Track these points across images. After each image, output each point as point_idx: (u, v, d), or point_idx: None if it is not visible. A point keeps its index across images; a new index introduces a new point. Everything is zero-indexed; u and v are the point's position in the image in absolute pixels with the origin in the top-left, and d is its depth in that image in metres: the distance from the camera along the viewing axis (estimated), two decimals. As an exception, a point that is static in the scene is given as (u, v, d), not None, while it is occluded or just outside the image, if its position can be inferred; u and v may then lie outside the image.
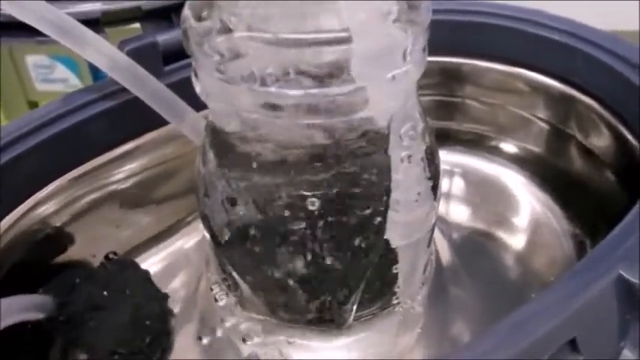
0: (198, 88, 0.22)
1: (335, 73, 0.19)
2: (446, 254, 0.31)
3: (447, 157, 0.34)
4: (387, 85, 0.19)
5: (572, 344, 0.18)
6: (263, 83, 0.19)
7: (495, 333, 0.18)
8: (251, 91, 0.19)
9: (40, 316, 0.25)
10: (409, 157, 0.21)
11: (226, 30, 0.19)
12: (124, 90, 0.29)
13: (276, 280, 0.23)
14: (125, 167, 0.31)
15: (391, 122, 0.21)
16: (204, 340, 0.27)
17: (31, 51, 0.58)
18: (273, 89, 0.19)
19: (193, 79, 0.22)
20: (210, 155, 0.24)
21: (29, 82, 0.60)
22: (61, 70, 0.59)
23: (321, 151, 0.21)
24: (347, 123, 0.20)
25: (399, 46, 0.19)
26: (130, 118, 0.30)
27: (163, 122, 0.30)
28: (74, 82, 0.60)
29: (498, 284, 0.30)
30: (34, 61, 0.59)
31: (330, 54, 0.19)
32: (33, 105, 0.62)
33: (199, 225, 0.33)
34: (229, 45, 0.19)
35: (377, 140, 0.21)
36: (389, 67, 0.19)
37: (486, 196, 0.34)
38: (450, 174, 0.34)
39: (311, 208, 0.22)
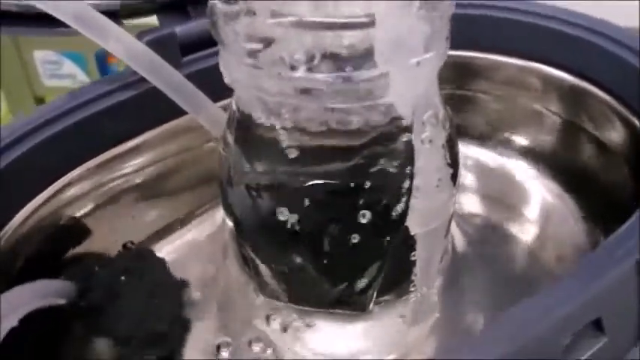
0: (224, 74, 0.22)
1: (361, 57, 0.19)
2: (460, 246, 0.31)
3: (460, 149, 0.34)
4: (411, 71, 0.20)
5: (597, 325, 0.18)
6: (290, 67, 0.19)
7: (520, 312, 0.18)
8: (278, 76, 0.19)
9: (62, 301, 0.25)
10: (430, 141, 0.22)
11: (252, 13, 0.19)
12: (133, 83, 0.29)
13: (299, 266, 0.23)
14: (139, 160, 0.31)
15: (415, 109, 0.21)
16: (225, 326, 0.27)
17: (38, 46, 0.58)
18: (300, 74, 0.19)
19: (221, 65, 0.22)
20: (234, 144, 0.24)
21: (36, 78, 0.60)
22: (69, 66, 0.59)
23: (345, 138, 0.22)
24: (372, 109, 0.20)
25: (422, 34, 0.20)
26: (143, 111, 0.30)
27: (175, 115, 0.30)
28: (82, 78, 0.60)
29: (512, 276, 0.30)
30: (41, 56, 0.59)
31: (353, 38, 0.19)
32: (40, 101, 0.62)
33: (213, 216, 0.33)
34: (256, 29, 0.19)
35: (400, 127, 0.22)
36: (413, 53, 0.20)
37: (499, 188, 0.34)
38: (463, 166, 0.34)
39: (334, 194, 0.22)
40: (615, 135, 0.30)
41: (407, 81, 0.20)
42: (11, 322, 0.22)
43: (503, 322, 0.18)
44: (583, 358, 0.18)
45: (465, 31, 0.33)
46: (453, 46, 0.31)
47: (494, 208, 0.33)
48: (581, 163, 0.32)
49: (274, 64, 0.19)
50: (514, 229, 0.32)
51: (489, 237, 0.32)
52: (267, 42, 0.19)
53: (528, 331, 0.17)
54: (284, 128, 0.21)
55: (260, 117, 0.22)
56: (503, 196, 0.34)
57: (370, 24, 0.18)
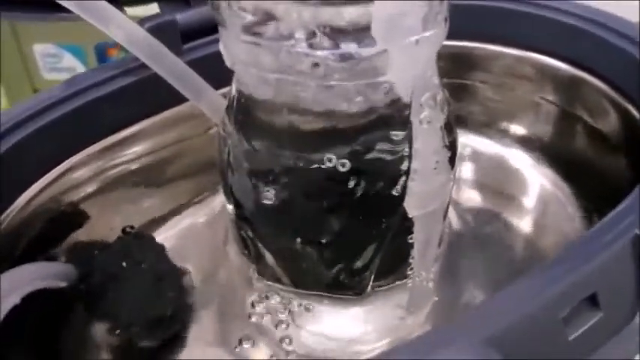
0: (225, 56, 0.22)
1: (361, 35, 0.19)
2: (458, 232, 0.31)
3: (458, 138, 0.35)
4: (410, 50, 0.20)
5: (593, 300, 0.18)
6: (291, 44, 0.19)
7: (516, 288, 0.18)
8: (279, 53, 0.20)
9: (62, 284, 0.25)
10: (428, 122, 0.22)
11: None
12: (134, 70, 0.29)
13: (298, 248, 0.24)
14: (139, 146, 0.31)
15: (413, 90, 0.21)
16: (225, 310, 0.28)
17: (38, 39, 0.58)
18: (300, 51, 0.19)
19: (221, 46, 0.22)
20: (233, 128, 0.24)
21: (36, 71, 0.60)
22: (69, 59, 0.59)
23: (344, 120, 0.22)
24: (371, 88, 0.21)
25: (421, 12, 0.20)
26: (144, 98, 0.30)
27: (176, 102, 0.31)
28: (81, 71, 0.60)
29: (510, 262, 0.30)
30: (41, 49, 0.59)
31: (352, 14, 0.19)
32: (39, 94, 0.62)
33: (212, 203, 0.33)
34: (256, 5, 0.19)
35: (399, 109, 0.22)
36: (411, 31, 0.20)
37: (497, 176, 0.34)
38: (461, 155, 0.35)
39: (334, 178, 0.22)
40: (611, 123, 0.31)
41: (406, 60, 0.20)
42: (12, 301, 0.22)
43: (500, 297, 0.18)
44: (579, 332, 0.18)
45: (464, 21, 0.33)
46: (452, 37, 0.31)
47: (492, 196, 0.33)
48: (578, 151, 0.33)
49: (275, 41, 0.19)
50: (512, 216, 0.32)
51: (487, 223, 0.32)
52: (268, 19, 0.19)
53: (524, 306, 0.18)
54: (283, 109, 0.22)
55: (260, 98, 0.22)
56: (501, 184, 0.34)
57: (369, 0, 0.19)
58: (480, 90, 0.35)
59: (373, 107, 0.22)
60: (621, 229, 0.19)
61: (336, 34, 0.19)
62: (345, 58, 0.19)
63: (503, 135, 0.35)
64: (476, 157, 0.35)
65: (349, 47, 0.19)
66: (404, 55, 0.20)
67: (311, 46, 0.19)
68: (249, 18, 0.20)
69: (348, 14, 0.19)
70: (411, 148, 0.22)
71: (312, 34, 0.19)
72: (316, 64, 0.19)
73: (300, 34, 0.19)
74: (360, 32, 0.19)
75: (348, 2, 0.18)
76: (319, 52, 0.19)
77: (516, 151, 0.35)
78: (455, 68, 0.35)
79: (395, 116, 0.22)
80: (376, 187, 0.23)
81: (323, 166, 0.22)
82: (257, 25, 0.20)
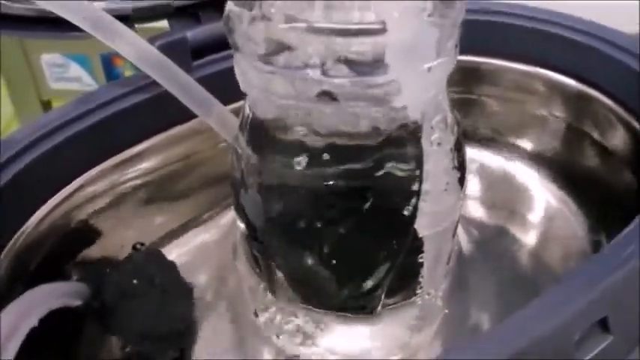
0: (240, 80, 0.22)
1: (374, 62, 0.19)
2: (466, 248, 0.31)
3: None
4: (422, 77, 0.20)
5: (603, 324, 0.18)
6: (305, 72, 0.20)
7: (528, 311, 0.18)
8: (293, 80, 0.20)
9: (77, 302, 0.26)
10: (439, 144, 0.22)
11: (266, 19, 0.20)
12: (145, 87, 0.29)
13: (310, 267, 0.24)
14: (149, 163, 0.31)
15: (425, 113, 0.21)
16: (235, 327, 0.28)
17: (45, 50, 0.58)
18: (314, 78, 0.20)
19: (236, 70, 0.22)
20: (247, 147, 0.24)
21: (43, 81, 0.60)
22: (75, 69, 0.60)
23: (356, 141, 0.22)
24: (384, 112, 0.21)
25: (434, 40, 0.20)
26: (155, 114, 0.30)
27: (186, 118, 0.31)
28: (87, 81, 0.60)
29: (517, 278, 0.30)
30: (48, 59, 0.59)
31: (365, 44, 0.19)
32: (46, 104, 0.63)
33: (222, 218, 0.34)
34: (270, 34, 0.20)
35: (410, 131, 0.22)
36: (424, 59, 0.20)
37: (504, 191, 0.34)
38: (467, 169, 0.35)
39: (345, 196, 0.23)
40: (618, 140, 0.31)
41: (418, 86, 0.20)
42: (32, 322, 0.22)
43: (512, 320, 0.18)
44: (589, 356, 0.18)
45: (472, 36, 0.33)
46: (460, 51, 0.32)
47: (499, 211, 0.34)
48: (585, 167, 0.33)
49: (289, 68, 0.20)
50: (518, 231, 0.32)
51: (494, 239, 0.32)
52: (282, 47, 0.20)
53: (537, 329, 0.18)
54: (298, 132, 0.22)
55: (274, 121, 0.22)
56: (507, 199, 0.34)
57: (382, 30, 0.19)
58: (487, 104, 0.36)
59: (386, 129, 0.22)
60: (633, 249, 0.20)
61: (350, 62, 0.19)
62: (358, 85, 0.20)
63: (510, 150, 0.36)
64: (482, 171, 0.35)
65: (363, 74, 0.20)
66: (417, 82, 0.20)
67: (325, 74, 0.19)
68: (263, 48, 0.20)
69: (361, 45, 0.19)
70: (421, 169, 0.23)
71: (325, 63, 0.19)
72: (330, 91, 0.20)
73: (314, 63, 0.19)
74: (374, 60, 0.19)
75: (362, 33, 0.19)
76: (334, 80, 0.20)
77: (523, 166, 0.35)
78: (463, 82, 0.35)
79: (406, 138, 0.22)
80: (388, 206, 0.23)
81: (335, 184, 0.23)
82: (271, 54, 0.20)
